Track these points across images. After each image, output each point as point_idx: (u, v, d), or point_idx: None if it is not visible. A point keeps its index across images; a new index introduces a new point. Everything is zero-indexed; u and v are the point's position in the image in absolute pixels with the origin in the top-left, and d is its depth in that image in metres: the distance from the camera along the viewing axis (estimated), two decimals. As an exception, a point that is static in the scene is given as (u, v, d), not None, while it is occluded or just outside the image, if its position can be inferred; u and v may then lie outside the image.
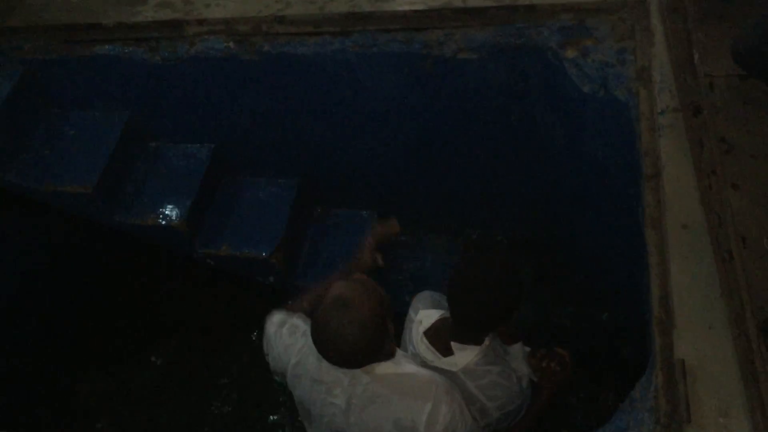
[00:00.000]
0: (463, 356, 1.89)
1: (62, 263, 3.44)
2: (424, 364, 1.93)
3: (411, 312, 2.10)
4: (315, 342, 1.68)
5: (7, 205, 3.03)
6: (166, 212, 2.93)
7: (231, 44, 2.67)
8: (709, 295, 1.70)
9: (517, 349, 2.06)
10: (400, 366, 1.78)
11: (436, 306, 2.07)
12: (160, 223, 2.91)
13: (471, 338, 1.90)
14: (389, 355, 1.77)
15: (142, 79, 2.81)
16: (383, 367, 1.75)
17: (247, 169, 3.23)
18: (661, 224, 1.85)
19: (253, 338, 3.38)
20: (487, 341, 1.92)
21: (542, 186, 2.92)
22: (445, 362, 1.90)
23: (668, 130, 2.01)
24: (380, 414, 1.76)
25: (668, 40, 2.21)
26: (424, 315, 2.01)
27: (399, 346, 1.95)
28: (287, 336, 1.92)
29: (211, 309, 3.58)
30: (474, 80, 2.54)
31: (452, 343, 1.90)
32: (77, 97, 2.98)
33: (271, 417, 3.24)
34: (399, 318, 2.14)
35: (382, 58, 2.55)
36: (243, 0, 2.70)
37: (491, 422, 1.92)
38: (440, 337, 1.94)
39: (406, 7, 2.51)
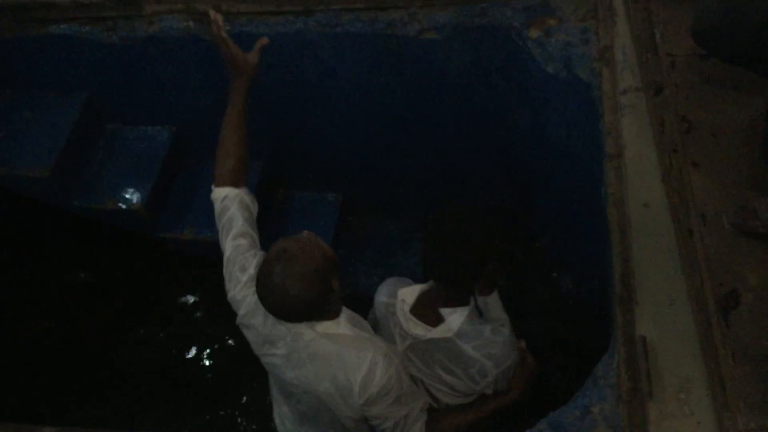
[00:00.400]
0: (455, 319, 1.88)
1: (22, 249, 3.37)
2: (416, 341, 1.92)
3: (382, 298, 2.06)
4: (259, 295, 1.68)
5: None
6: (126, 196, 2.89)
7: (190, 24, 2.62)
8: (670, 273, 1.72)
9: (495, 299, 2.05)
10: (341, 326, 1.79)
11: (408, 284, 2.05)
12: (120, 207, 2.86)
13: (458, 299, 1.90)
14: (334, 314, 1.79)
15: (100, 59, 2.75)
16: (325, 326, 1.76)
17: (208, 152, 3.16)
18: (623, 203, 1.86)
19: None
20: (472, 300, 1.94)
21: (508, 165, 2.92)
22: (437, 331, 1.89)
23: (630, 110, 2.02)
24: (319, 371, 1.77)
25: (630, 19, 2.22)
26: (405, 293, 1.97)
27: (375, 333, 1.95)
28: (240, 289, 1.88)
29: (179, 292, 3.53)
30: (438, 60, 2.53)
31: (441, 310, 1.89)
32: (32, 78, 2.91)
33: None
34: (364, 303, 2.15)
35: (345, 38, 2.53)
36: (203, -22, 2.65)
37: (490, 382, 1.92)
38: (427, 309, 1.92)
39: (370, -14, 2.49)
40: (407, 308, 1.94)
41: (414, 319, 1.93)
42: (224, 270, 1.91)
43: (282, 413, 2.05)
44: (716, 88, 1.87)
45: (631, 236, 1.80)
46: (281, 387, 1.96)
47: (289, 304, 1.65)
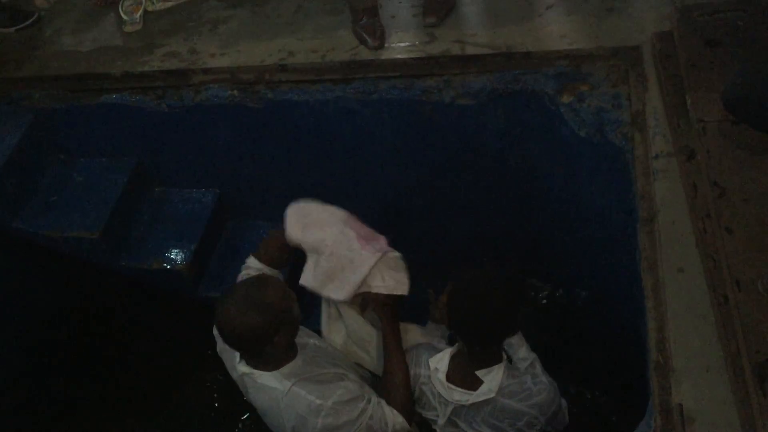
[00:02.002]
0: (493, 378, 1.90)
1: (68, 307, 3.46)
2: (460, 406, 1.93)
3: (410, 362, 2.06)
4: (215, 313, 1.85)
5: (15, 250, 3.06)
6: (171, 256, 2.97)
7: (235, 92, 2.73)
8: (706, 339, 1.71)
9: (519, 337, 2.06)
10: (275, 380, 1.88)
11: (432, 349, 2.07)
12: (165, 267, 2.94)
13: (492, 357, 1.92)
14: (272, 366, 1.88)
15: (149, 126, 2.88)
16: (261, 377, 1.89)
17: (251, 212, 3.27)
18: (657, 268, 1.87)
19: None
20: (504, 355, 1.96)
21: (539, 228, 2.94)
22: (479, 395, 1.90)
23: (663, 174, 2.04)
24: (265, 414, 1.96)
25: (661, 85, 2.26)
26: (436, 362, 1.98)
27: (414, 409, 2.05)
28: None
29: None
30: (472, 125, 2.59)
31: (477, 373, 1.91)
32: (85, 144, 3.04)
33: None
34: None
35: (382, 104, 2.61)
36: (247, 50, 2.77)
37: (541, 428, 1.94)
38: (463, 374, 1.94)
39: (405, 55, 2.58)
40: (442, 377, 1.95)
41: (452, 386, 1.94)
42: None
43: None
44: (748, 153, 1.88)
45: (666, 302, 1.80)
46: None
47: (232, 324, 1.78)
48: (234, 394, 3.34)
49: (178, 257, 2.96)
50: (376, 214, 3.12)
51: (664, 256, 1.87)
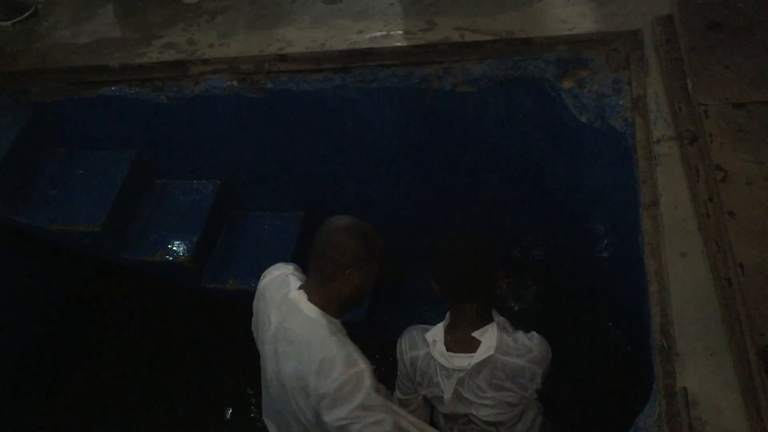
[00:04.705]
0: (490, 337, 1.96)
1: (70, 300, 3.47)
2: (463, 373, 1.97)
3: (405, 347, 2.11)
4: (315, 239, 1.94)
5: (16, 245, 3.06)
6: (173, 248, 2.97)
7: (234, 83, 2.72)
8: (710, 323, 1.71)
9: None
10: (330, 325, 1.87)
11: (423, 329, 2.11)
12: (167, 259, 2.94)
13: (482, 318, 2.00)
14: (328, 310, 1.90)
15: (148, 118, 2.87)
16: (315, 312, 1.88)
17: (252, 203, 3.27)
18: (660, 252, 1.87)
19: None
20: (495, 316, 2.04)
21: (542, 214, 2.94)
22: (479, 354, 1.95)
23: (665, 159, 2.03)
24: (290, 350, 1.88)
25: (662, 69, 2.25)
26: (432, 335, 2.05)
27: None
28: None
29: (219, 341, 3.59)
30: (473, 113, 2.59)
31: (473, 334, 1.97)
32: (85, 137, 3.04)
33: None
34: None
35: (382, 92, 2.60)
36: (245, 39, 2.76)
37: (538, 382, 1.99)
38: (460, 340, 2.00)
39: (405, 43, 2.57)
40: (442, 347, 2.00)
41: (453, 353, 1.99)
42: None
43: None
44: (749, 136, 1.88)
45: (669, 286, 1.80)
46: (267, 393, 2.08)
47: (333, 236, 1.90)
48: (236, 386, 3.41)
49: (180, 249, 2.96)
50: (377, 203, 3.13)
51: (667, 241, 1.86)
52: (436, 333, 2.04)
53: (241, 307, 3.20)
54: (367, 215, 3.18)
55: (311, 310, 1.88)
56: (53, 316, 3.41)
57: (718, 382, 1.63)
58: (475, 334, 1.97)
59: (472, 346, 1.97)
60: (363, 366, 1.80)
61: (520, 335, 2.01)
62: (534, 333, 2.03)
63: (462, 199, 3.01)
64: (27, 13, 3.13)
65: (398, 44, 2.57)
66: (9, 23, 3.11)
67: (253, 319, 2.12)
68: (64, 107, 2.90)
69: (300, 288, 1.94)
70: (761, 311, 1.59)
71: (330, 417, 1.79)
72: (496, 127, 2.63)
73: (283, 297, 1.94)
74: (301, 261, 3.00)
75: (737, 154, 1.87)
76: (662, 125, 2.12)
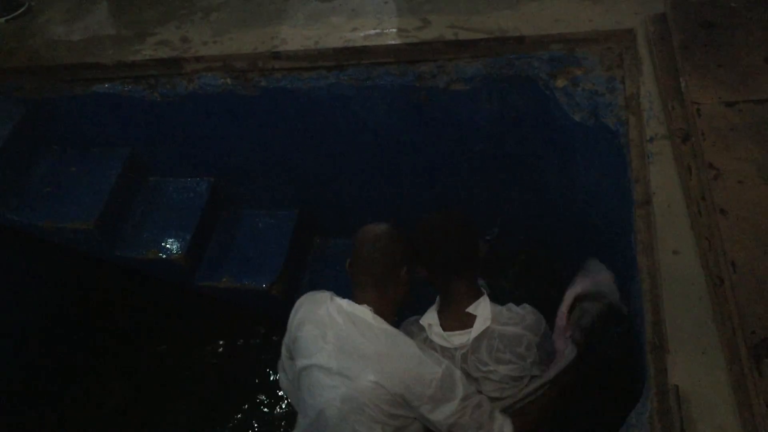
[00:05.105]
0: (484, 309, 2.00)
1: (64, 298, 3.46)
2: (464, 351, 2.00)
3: None
4: (356, 238, 2.02)
5: (9, 242, 3.05)
6: (167, 246, 2.97)
7: (228, 80, 2.72)
8: (701, 321, 1.71)
9: None
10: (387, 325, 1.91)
11: (415, 321, 2.14)
12: (161, 257, 2.94)
13: (471, 293, 2.04)
14: (391, 312, 1.97)
15: (142, 115, 2.86)
16: (378, 320, 1.90)
17: (246, 201, 3.27)
18: (653, 250, 1.87)
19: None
20: (484, 290, 2.07)
21: (536, 212, 2.94)
22: (477, 327, 1.98)
23: (657, 157, 2.04)
24: (367, 358, 1.85)
25: (655, 68, 2.26)
26: (427, 319, 2.08)
27: None
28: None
29: (210, 340, 3.59)
30: (467, 111, 2.59)
31: (467, 310, 2.01)
32: (78, 134, 3.03)
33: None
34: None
35: (376, 90, 2.60)
36: (239, 37, 2.76)
37: (535, 353, 2.00)
38: (454, 318, 2.03)
39: (399, 41, 2.57)
40: (438, 329, 2.03)
41: (450, 333, 2.02)
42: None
43: None
44: (742, 135, 1.88)
45: (661, 283, 1.80)
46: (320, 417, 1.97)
47: (374, 244, 1.96)
48: (230, 384, 3.41)
49: (174, 246, 2.96)
50: (371, 200, 3.13)
51: (660, 239, 1.87)
52: (430, 317, 2.08)
53: (234, 305, 3.23)
54: (360, 213, 3.22)
55: (380, 322, 1.90)
56: (46, 315, 3.40)
57: (710, 379, 1.63)
58: (469, 309, 2.01)
59: (468, 321, 2.00)
60: (445, 360, 1.88)
61: (512, 306, 2.05)
62: (525, 304, 2.07)
63: (455, 197, 3.01)
64: (20, 10, 3.12)
65: (392, 42, 2.57)
66: (2, 20, 3.10)
67: (286, 349, 2.11)
68: (58, 104, 2.89)
69: (354, 303, 1.95)
70: (753, 309, 1.59)
71: (438, 416, 1.84)
72: (490, 126, 2.63)
73: (345, 316, 1.92)
74: (295, 258, 3.02)
75: (729, 153, 1.87)
76: (655, 124, 2.12)
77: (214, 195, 3.15)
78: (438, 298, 2.10)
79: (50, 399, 3.41)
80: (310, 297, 2.07)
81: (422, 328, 2.07)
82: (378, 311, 1.92)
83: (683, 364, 1.66)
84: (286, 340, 2.11)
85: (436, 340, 2.03)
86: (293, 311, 2.06)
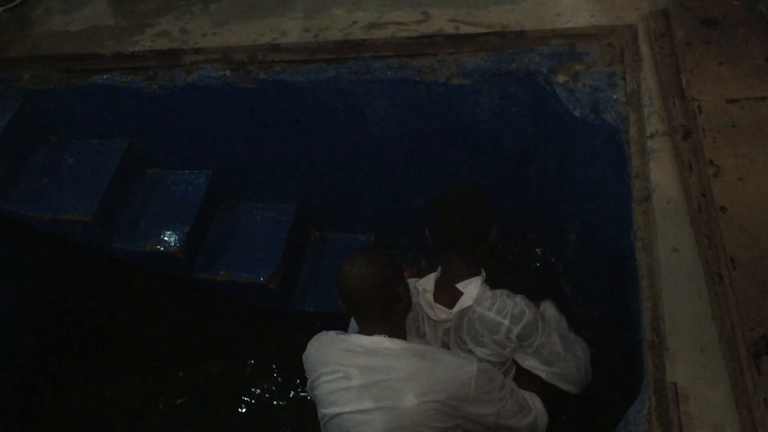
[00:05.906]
0: (472, 288, 2.01)
1: (61, 290, 3.46)
2: (447, 325, 2.03)
3: None
4: (340, 287, 1.91)
5: (5, 234, 3.04)
6: (164, 238, 2.95)
7: (227, 72, 2.70)
8: (700, 318, 1.71)
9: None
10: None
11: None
12: (158, 249, 2.92)
13: (470, 270, 2.04)
14: (400, 331, 1.96)
15: (140, 107, 2.85)
16: (399, 342, 1.88)
17: (244, 194, 3.25)
18: (652, 247, 1.87)
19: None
20: (483, 272, 2.08)
21: (535, 207, 2.94)
22: (459, 304, 2.01)
23: (658, 154, 2.03)
24: (401, 383, 1.82)
25: (656, 64, 2.25)
26: (423, 283, 2.09)
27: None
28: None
29: (210, 334, 3.58)
30: (467, 105, 2.58)
31: (457, 285, 2.02)
32: (76, 125, 3.01)
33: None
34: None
35: (376, 84, 2.59)
36: (239, 29, 2.75)
37: (515, 341, 2.01)
38: (446, 291, 2.05)
39: (399, 35, 2.56)
40: (430, 297, 2.05)
41: (438, 305, 2.04)
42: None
43: None
44: (743, 132, 1.88)
45: (660, 281, 1.80)
46: None
47: (364, 285, 1.86)
48: (228, 379, 3.41)
49: (172, 239, 2.95)
50: (370, 194, 3.12)
51: (659, 236, 1.86)
52: (427, 282, 2.09)
53: (232, 298, 3.22)
54: (359, 207, 3.22)
55: (399, 343, 1.88)
56: (43, 306, 3.39)
57: (708, 377, 1.63)
58: (460, 285, 2.02)
59: (455, 298, 2.02)
60: (472, 357, 1.91)
61: (502, 292, 2.04)
62: (520, 295, 2.06)
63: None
64: (19, 0, 3.10)
65: (392, 36, 2.56)
66: (1, 9, 3.09)
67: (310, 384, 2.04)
68: (56, 95, 2.87)
69: (365, 334, 1.91)
70: (752, 306, 1.59)
71: (482, 411, 1.87)
72: (490, 120, 2.62)
73: (362, 349, 1.88)
74: (294, 251, 3.01)
75: (730, 150, 1.87)
76: (656, 120, 2.12)
77: (213, 187, 3.13)
78: (440, 268, 2.12)
79: (44, 395, 3.41)
80: (317, 342, 2.01)
81: (416, 290, 2.08)
82: (393, 335, 1.90)
83: (682, 362, 1.66)
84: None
85: (424, 306, 2.05)
86: (304, 356, 2.02)
